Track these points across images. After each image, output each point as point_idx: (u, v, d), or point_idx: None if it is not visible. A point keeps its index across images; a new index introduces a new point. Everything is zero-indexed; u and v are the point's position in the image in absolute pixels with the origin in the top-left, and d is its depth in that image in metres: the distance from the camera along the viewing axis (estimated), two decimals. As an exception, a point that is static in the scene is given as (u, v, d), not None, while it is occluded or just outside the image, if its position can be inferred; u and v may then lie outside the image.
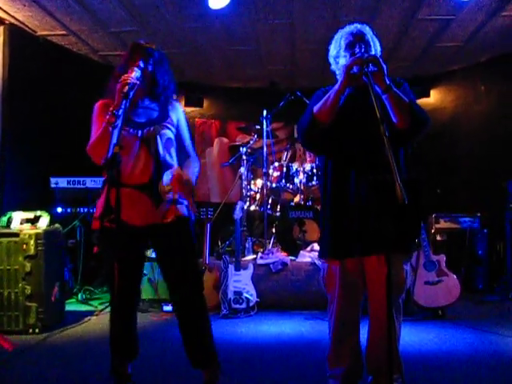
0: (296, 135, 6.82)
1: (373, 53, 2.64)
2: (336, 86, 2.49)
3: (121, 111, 2.53)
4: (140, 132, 2.83)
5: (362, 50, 2.61)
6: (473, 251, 6.20)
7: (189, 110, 9.00)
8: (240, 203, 5.27)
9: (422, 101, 8.43)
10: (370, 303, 2.68)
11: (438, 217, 6.42)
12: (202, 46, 7.10)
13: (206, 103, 9.22)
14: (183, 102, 8.93)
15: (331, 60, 2.81)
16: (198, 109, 9.18)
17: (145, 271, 5.52)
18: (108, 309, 5.26)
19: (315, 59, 7.52)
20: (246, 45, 7.10)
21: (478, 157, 7.46)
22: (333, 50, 2.78)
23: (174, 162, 2.96)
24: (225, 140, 9.18)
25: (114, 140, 2.51)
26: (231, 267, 5.18)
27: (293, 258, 5.77)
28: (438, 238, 6.35)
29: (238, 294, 5.08)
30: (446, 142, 7.80)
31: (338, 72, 2.77)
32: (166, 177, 2.75)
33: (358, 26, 2.74)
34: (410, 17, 6.10)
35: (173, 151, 2.97)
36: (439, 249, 5.93)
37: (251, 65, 8.01)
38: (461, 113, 8.10)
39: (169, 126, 2.96)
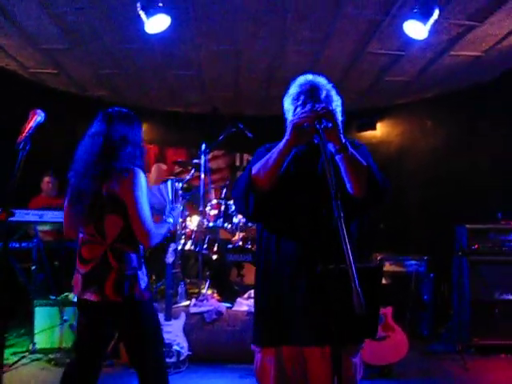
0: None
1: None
2: (280, 145, 2.07)
3: None
4: None
5: (311, 104, 2.21)
6: (418, 296, 5.94)
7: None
8: (172, 245, 4.77)
9: (368, 133, 8.31)
10: None
11: (382, 259, 6.14)
12: (142, 68, 6.69)
13: (144, 127, 8.61)
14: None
15: (285, 112, 2.39)
16: (138, 133, 8.64)
17: (66, 317, 4.98)
18: (24, 360, 4.72)
19: (259, 87, 7.24)
20: (187, 69, 6.74)
21: (424, 196, 7.32)
22: (287, 105, 2.38)
23: None
24: (163, 166, 8.72)
25: None
26: (161, 316, 4.68)
27: (229, 305, 5.33)
28: (383, 281, 6.05)
29: (168, 346, 4.57)
30: (392, 176, 7.56)
31: None
32: None
33: (311, 76, 2.35)
34: (360, 50, 5.89)
35: None
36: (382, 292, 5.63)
37: (193, 90, 7.65)
38: (407, 147, 7.98)
39: None
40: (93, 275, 2.66)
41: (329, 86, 2.33)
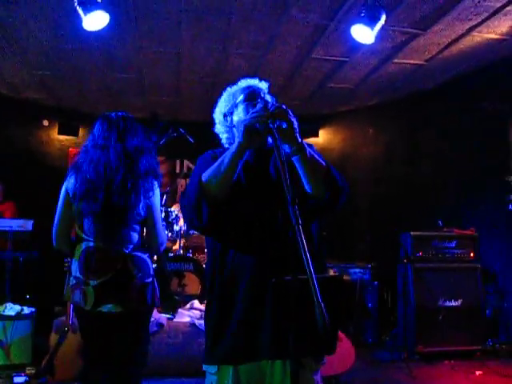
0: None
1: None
2: (232, 149, 1.88)
3: None
4: None
5: (262, 103, 2.07)
6: (363, 304, 5.91)
7: (62, 138, 8.20)
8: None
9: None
10: None
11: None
12: (80, 70, 6.39)
13: (81, 132, 8.38)
14: (57, 130, 8.07)
15: (219, 118, 2.22)
16: (72, 137, 8.32)
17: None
18: None
19: (201, 92, 7.07)
20: (127, 72, 6.49)
21: (366, 203, 7.34)
22: (224, 106, 2.20)
23: None
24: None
25: None
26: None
27: (170, 316, 5.11)
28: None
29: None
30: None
31: (225, 135, 2.21)
32: None
33: (257, 80, 2.22)
34: (305, 55, 5.83)
35: None
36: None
37: (133, 94, 7.38)
38: (349, 154, 8.00)
39: None
40: (112, 286, 2.64)
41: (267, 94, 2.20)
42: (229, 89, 2.23)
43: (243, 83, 2.20)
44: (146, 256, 2.79)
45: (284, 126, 1.82)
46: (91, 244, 2.70)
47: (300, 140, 1.88)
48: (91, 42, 5.38)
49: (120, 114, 2.87)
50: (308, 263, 1.36)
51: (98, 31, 4.92)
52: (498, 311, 5.72)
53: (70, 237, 2.83)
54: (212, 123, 2.31)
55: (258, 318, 1.89)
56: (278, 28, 5.14)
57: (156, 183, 2.78)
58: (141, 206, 2.70)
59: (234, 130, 2.14)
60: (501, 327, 5.68)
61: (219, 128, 2.24)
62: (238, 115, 2.13)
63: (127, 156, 2.71)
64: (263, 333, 1.87)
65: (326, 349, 1.84)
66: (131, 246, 2.72)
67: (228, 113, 2.18)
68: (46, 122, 8.04)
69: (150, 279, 2.75)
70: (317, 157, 1.96)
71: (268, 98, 2.14)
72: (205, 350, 2.05)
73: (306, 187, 1.95)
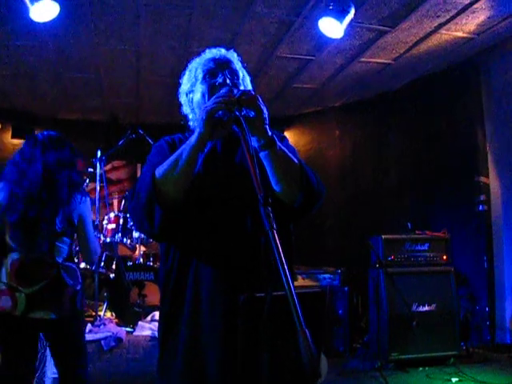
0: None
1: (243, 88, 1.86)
2: (192, 139, 1.60)
3: None
4: None
5: (228, 82, 1.82)
6: (332, 311, 5.70)
7: (17, 142, 7.76)
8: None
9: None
10: None
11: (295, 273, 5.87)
12: (33, 69, 6.03)
13: (35, 135, 7.99)
14: (10, 133, 7.67)
15: (182, 98, 1.97)
16: (27, 141, 7.90)
17: None
18: None
19: (162, 93, 6.80)
20: (84, 72, 6.18)
21: (334, 206, 7.15)
22: (185, 84, 1.95)
23: None
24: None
25: None
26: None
27: (129, 329, 4.82)
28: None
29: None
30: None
31: (191, 116, 1.95)
32: None
33: (223, 50, 1.96)
34: (269, 53, 5.63)
35: None
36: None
37: (90, 95, 7.06)
38: (314, 157, 7.81)
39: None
40: (45, 293, 2.77)
41: (240, 64, 1.96)
42: (192, 62, 1.97)
43: (207, 54, 1.93)
44: (74, 265, 3.01)
45: (252, 115, 1.57)
46: (22, 253, 2.82)
47: (270, 133, 1.64)
48: (44, 38, 5.06)
49: (46, 132, 3.02)
50: (286, 276, 1.12)
51: (52, 27, 4.65)
52: (470, 315, 5.61)
53: (5, 244, 2.90)
54: (175, 125, 2.08)
55: (219, 345, 1.61)
56: (242, 25, 4.93)
57: (80, 195, 2.94)
58: (59, 218, 2.85)
59: (197, 111, 1.88)
60: (473, 331, 5.58)
61: (185, 109, 1.98)
62: (196, 96, 1.87)
63: (46, 170, 2.84)
64: (225, 367, 1.58)
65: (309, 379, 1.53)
66: (62, 256, 2.90)
67: (188, 91, 1.93)
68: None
69: (79, 286, 2.94)
70: (288, 153, 1.71)
71: (241, 73, 1.90)
72: (157, 369, 1.80)
73: (275, 187, 1.69)
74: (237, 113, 1.53)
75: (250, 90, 1.62)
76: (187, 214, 1.66)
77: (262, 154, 1.64)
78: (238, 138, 1.57)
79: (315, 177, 1.76)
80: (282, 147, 1.68)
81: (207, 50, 1.96)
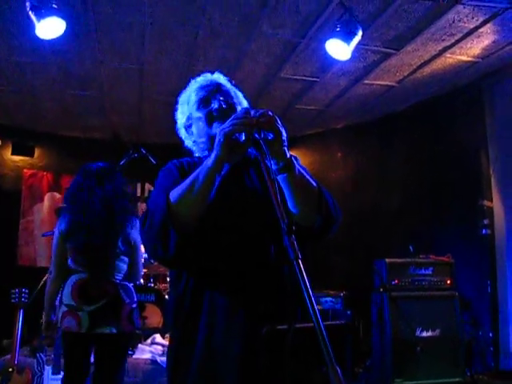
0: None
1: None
2: (208, 163, 1.53)
3: None
4: None
5: (224, 106, 1.81)
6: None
7: (17, 158, 7.80)
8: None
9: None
10: None
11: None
12: (35, 85, 6.01)
13: (37, 152, 8.00)
14: (10, 150, 7.64)
15: (182, 133, 1.96)
16: (27, 158, 7.92)
17: None
18: None
19: (165, 112, 6.72)
20: (87, 89, 6.14)
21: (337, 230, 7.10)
22: (181, 118, 1.94)
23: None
24: (57, 195, 7.94)
25: None
26: (48, 370, 3.99)
27: (129, 352, 4.73)
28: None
29: (56, 404, 3.91)
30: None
31: (195, 148, 1.93)
32: None
33: (209, 75, 1.95)
34: (273, 74, 5.62)
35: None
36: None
37: (92, 113, 7.01)
38: (317, 178, 7.65)
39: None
40: (106, 310, 3.05)
41: (229, 84, 1.94)
42: (182, 95, 1.96)
43: (194, 85, 1.92)
44: (131, 285, 3.26)
45: (270, 137, 1.52)
46: (83, 275, 3.11)
47: (288, 155, 1.60)
48: (48, 55, 5.04)
49: (98, 164, 3.33)
50: (314, 309, 1.06)
51: (56, 44, 4.63)
52: (473, 340, 5.53)
53: (67, 268, 3.20)
54: (177, 145, 2.02)
55: (241, 373, 1.52)
56: (247, 44, 4.91)
57: (134, 219, 3.22)
58: (120, 240, 3.16)
59: (201, 140, 1.86)
60: (476, 357, 5.48)
61: (188, 142, 1.97)
62: (196, 126, 1.86)
63: (105, 199, 3.13)
64: None
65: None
66: (121, 275, 3.19)
67: (187, 125, 1.91)
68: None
69: (135, 305, 3.21)
70: (306, 175, 1.68)
71: (233, 93, 1.89)
72: None
73: (293, 210, 1.65)
74: (256, 135, 1.48)
75: (267, 111, 1.57)
76: (202, 239, 1.59)
77: (279, 177, 1.59)
78: (247, 160, 1.53)
79: (332, 199, 1.72)
80: (301, 170, 1.64)
81: (192, 81, 1.96)
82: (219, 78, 1.95)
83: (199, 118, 1.83)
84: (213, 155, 1.53)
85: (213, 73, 1.98)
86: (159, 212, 1.55)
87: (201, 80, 1.93)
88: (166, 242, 1.52)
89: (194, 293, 1.66)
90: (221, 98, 1.82)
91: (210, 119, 1.80)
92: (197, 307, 1.64)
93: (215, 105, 1.80)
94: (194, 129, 1.89)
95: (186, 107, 1.91)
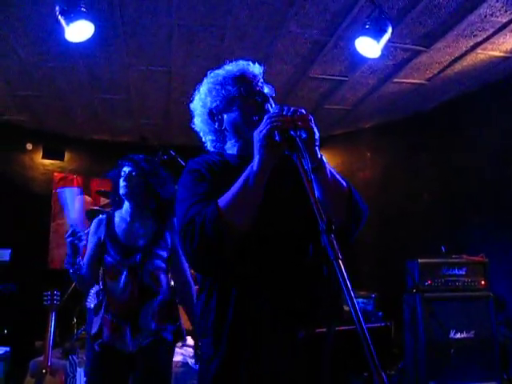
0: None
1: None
2: (254, 168, 1.49)
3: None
4: (126, 261, 2.92)
5: (268, 100, 1.75)
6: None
7: (47, 162, 7.90)
8: (96, 287, 4.12)
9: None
10: None
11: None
12: (64, 90, 6.05)
13: (67, 156, 8.10)
14: (41, 154, 7.75)
15: (201, 115, 1.87)
16: (57, 162, 8.03)
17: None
18: None
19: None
20: (114, 93, 6.18)
21: (365, 230, 7.01)
22: (209, 100, 1.84)
23: (163, 288, 3.03)
24: (87, 198, 8.00)
25: None
26: (80, 371, 4.01)
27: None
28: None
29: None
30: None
31: (209, 137, 1.89)
32: None
33: (251, 64, 1.89)
34: (301, 74, 5.57)
35: (162, 277, 3.03)
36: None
37: (120, 116, 7.07)
38: (346, 179, 7.69)
39: (159, 252, 3.00)
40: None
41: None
42: (213, 74, 1.86)
43: (233, 67, 1.84)
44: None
45: (304, 135, 1.48)
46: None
47: (320, 155, 1.57)
48: (76, 59, 5.07)
49: (142, 156, 3.40)
50: (356, 311, 1.01)
51: (83, 48, 4.65)
52: (509, 342, 5.39)
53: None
54: (202, 148, 1.94)
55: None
56: (275, 45, 4.88)
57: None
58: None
59: (237, 131, 1.78)
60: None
61: (201, 126, 1.89)
62: (232, 116, 1.77)
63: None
64: None
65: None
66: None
67: (216, 110, 1.81)
68: (29, 146, 7.70)
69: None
70: (337, 175, 1.65)
71: (266, 89, 1.81)
72: None
73: None
74: (292, 133, 1.44)
75: (301, 109, 1.53)
76: (247, 246, 1.54)
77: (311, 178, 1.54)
78: (284, 164, 1.50)
79: (362, 201, 1.71)
80: (332, 169, 1.61)
81: (230, 64, 1.87)
82: (256, 68, 1.90)
83: (243, 107, 1.77)
84: (256, 159, 1.50)
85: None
86: (210, 219, 1.48)
87: (241, 64, 1.86)
88: (219, 250, 1.48)
89: (237, 302, 1.58)
90: (263, 91, 1.79)
91: (258, 111, 1.74)
92: (240, 317, 1.56)
93: (259, 98, 1.76)
94: (229, 115, 1.80)
95: (221, 88, 1.82)
